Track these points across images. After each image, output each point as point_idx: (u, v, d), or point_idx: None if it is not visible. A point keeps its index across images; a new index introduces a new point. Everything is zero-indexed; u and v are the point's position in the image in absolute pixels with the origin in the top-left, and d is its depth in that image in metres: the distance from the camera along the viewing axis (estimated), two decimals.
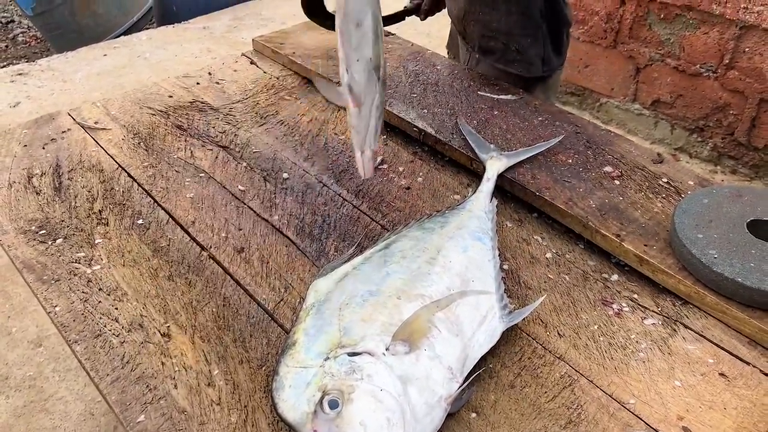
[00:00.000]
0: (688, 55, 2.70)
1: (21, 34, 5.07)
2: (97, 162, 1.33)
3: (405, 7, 1.79)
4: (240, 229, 1.18)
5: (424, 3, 1.76)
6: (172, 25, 4.00)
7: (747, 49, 2.52)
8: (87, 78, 3.37)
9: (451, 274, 1.00)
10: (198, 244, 1.14)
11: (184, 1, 4.27)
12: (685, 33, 2.67)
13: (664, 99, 2.86)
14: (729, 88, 2.63)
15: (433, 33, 4.02)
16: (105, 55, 3.61)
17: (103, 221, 1.19)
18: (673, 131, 2.90)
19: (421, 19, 1.81)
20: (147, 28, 4.43)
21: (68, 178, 1.29)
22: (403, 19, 1.79)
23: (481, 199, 1.18)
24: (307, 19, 1.82)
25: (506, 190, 1.26)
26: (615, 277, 1.09)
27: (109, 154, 1.35)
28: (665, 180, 1.24)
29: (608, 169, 1.27)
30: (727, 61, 2.59)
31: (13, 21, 5.28)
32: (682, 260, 1.04)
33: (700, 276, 1.01)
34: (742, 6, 2.46)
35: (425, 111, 1.45)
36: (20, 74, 3.39)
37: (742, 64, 2.56)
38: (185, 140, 1.41)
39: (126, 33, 4.17)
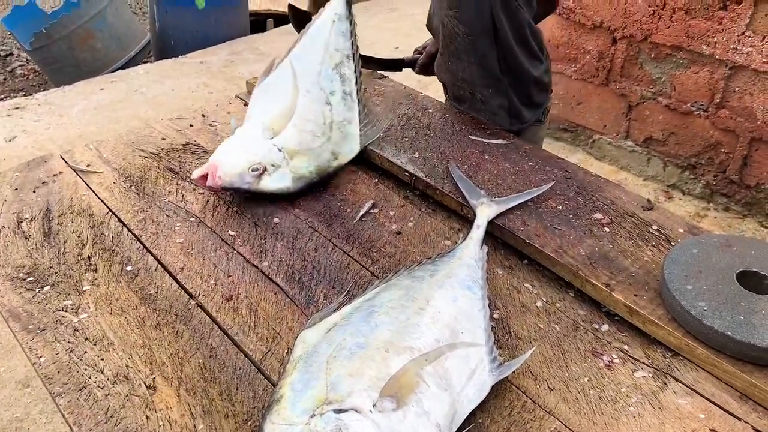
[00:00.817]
0: (679, 94, 2.73)
1: (19, 67, 5.11)
2: (88, 206, 1.33)
3: (404, 58, 1.82)
4: (229, 276, 1.18)
5: (421, 58, 1.79)
6: (169, 59, 4.04)
7: (737, 89, 2.55)
8: (83, 112, 3.38)
9: (440, 326, 0.99)
10: (186, 291, 1.13)
11: (181, 35, 4.31)
12: (675, 72, 2.70)
13: (656, 136, 2.88)
14: (720, 126, 2.65)
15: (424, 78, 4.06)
16: (102, 89, 3.63)
17: (92, 267, 1.18)
18: (666, 168, 2.91)
19: (416, 72, 1.85)
20: (145, 62, 4.47)
21: (58, 223, 1.28)
22: (400, 69, 1.82)
23: (471, 247, 1.18)
24: None
25: (496, 236, 1.26)
26: (605, 327, 1.09)
27: (99, 198, 1.35)
28: (655, 227, 1.24)
29: (598, 215, 1.27)
30: (718, 100, 2.62)
31: (11, 54, 5.33)
32: (672, 312, 1.04)
33: (690, 328, 1.01)
34: (731, 47, 2.50)
35: (416, 155, 1.45)
36: (17, 108, 3.41)
37: (732, 104, 2.58)
38: (177, 183, 1.42)
39: (124, 67, 4.21)
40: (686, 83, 2.69)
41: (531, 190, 1.31)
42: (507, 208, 1.26)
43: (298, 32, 1.70)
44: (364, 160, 1.50)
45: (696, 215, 2.78)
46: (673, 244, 1.20)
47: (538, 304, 1.13)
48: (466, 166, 1.42)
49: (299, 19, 1.77)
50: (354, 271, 1.19)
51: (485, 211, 1.25)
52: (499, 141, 1.50)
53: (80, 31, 4.12)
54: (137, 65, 4.17)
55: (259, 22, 4.91)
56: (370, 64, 1.83)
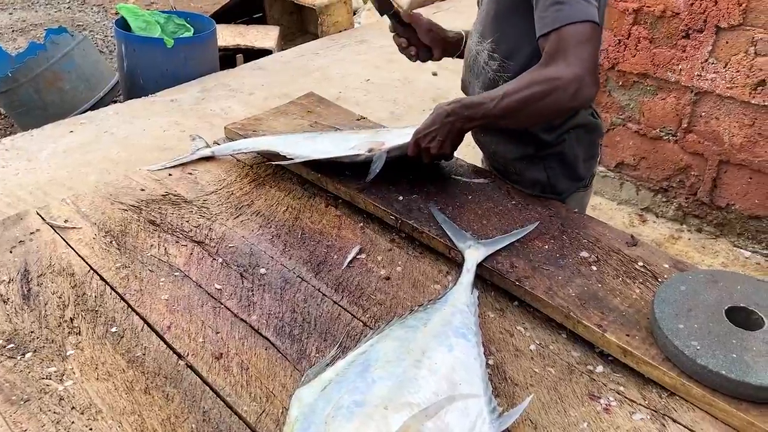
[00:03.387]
0: (648, 120, 2.79)
1: None
2: (68, 264, 1.30)
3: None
4: (217, 333, 1.15)
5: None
6: (139, 99, 4.00)
7: (703, 114, 2.62)
8: (53, 156, 3.32)
9: (437, 378, 0.98)
10: (175, 352, 1.11)
11: (150, 73, 4.28)
12: (643, 99, 2.77)
13: (627, 161, 2.93)
14: (689, 150, 2.71)
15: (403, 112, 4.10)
16: (71, 131, 3.58)
17: (75, 330, 1.15)
18: (639, 192, 2.96)
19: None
20: (114, 102, 4.43)
21: (38, 284, 1.25)
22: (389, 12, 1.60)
23: (462, 292, 1.17)
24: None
25: (485, 279, 1.26)
26: (600, 368, 1.09)
27: (80, 256, 1.32)
28: (641, 264, 1.26)
29: (584, 254, 1.28)
30: (686, 125, 2.68)
31: None
32: (665, 351, 1.04)
33: (684, 368, 1.01)
34: (695, 73, 2.57)
35: (401, 197, 1.45)
36: None
37: (699, 128, 2.65)
38: (159, 236, 1.39)
39: (93, 108, 4.15)
40: (654, 109, 2.75)
41: (517, 230, 1.32)
42: (495, 250, 1.27)
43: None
44: (347, 204, 1.50)
45: (670, 237, 2.83)
46: (660, 280, 1.21)
47: (532, 347, 1.13)
48: (450, 207, 1.42)
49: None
50: (345, 322, 1.17)
51: (473, 255, 1.25)
52: (481, 180, 1.51)
53: (47, 74, 4.07)
54: (106, 106, 4.12)
55: (228, 57, 4.91)
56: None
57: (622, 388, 1.05)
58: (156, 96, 4.04)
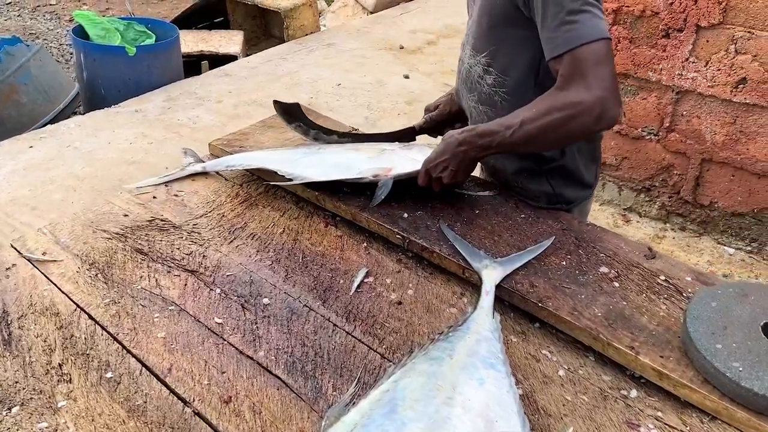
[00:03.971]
0: (629, 120, 2.78)
1: None
2: (51, 303, 1.19)
3: (414, 126, 1.70)
4: (223, 372, 1.06)
5: (428, 122, 1.68)
6: (101, 110, 3.83)
7: (685, 113, 2.62)
8: (13, 174, 3.15)
9: (472, 416, 0.91)
10: (179, 397, 1.01)
11: (112, 83, 4.12)
12: (625, 99, 2.75)
13: (610, 162, 2.92)
14: (671, 149, 2.71)
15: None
16: (31, 146, 3.40)
17: (66, 378, 1.04)
18: (621, 192, 2.95)
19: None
20: (75, 114, 4.24)
21: (19, 327, 1.14)
22: (414, 138, 1.68)
23: (484, 317, 1.11)
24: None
25: (503, 299, 1.20)
26: (634, 392, 1.04)
27: (63, 292, 1.21)
28: (663, 278, 1.21)
29: (604, 269, 1.23)
30: (668, 124, 2.67)
31: None
32: (704, 373, 1.00)
33: (726, 390, 0.97)
34: (676, 73, 2.56)
35: (406, 214, 1.38)
36: None
37: (681, 127, 2.64)
38: (148, 266, 1.29)
39: (53, 121, 3.97)
40: (636, 109, 2.74)
41: (533, 247, 1.26)
42: (513, 269, 1.21)
43: (289, 124, 1.64)
44: (347, 222, 1.42)
45: (655, 237, 2.82)
46: (684, 295, 1.17)
47: (560, 372, 1.08)
48: (458, 224, 1.36)
49: (289, 113, 1.67)
50: (361, 354, 1.10)
51: (491, 275, 1.18)
52: (486, 192, 1.45)
53: (2, 87, 3.87)
54: (67, 118, 3.93)
55: (191, 64, 4.76)
56: (381, 138, 1.69)
57: (660, 414, 1.00)
58: (119, 107, 3.88)
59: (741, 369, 0.96)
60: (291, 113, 1.67)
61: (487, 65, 1.37)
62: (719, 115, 2.53)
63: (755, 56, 2.37)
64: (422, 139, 1.70)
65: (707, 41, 2.46)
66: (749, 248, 2.69)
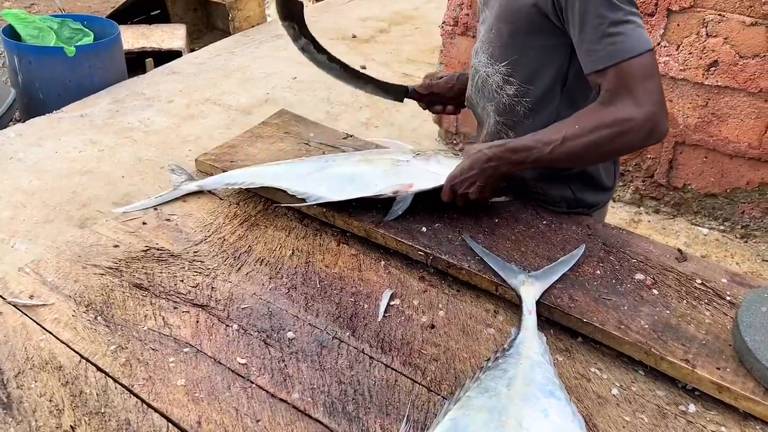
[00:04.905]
0: None
1: None
2: (51, 355, 1.06)
3: (408, 87, 1.58)
4: (258, 421, 0.97)
5: (422, 87, 1.58)
6: (42, 116, 3.57)
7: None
8: None
9: None
10: None
11: (51, 87, 3.86)
12: None
13: None
14: None
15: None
16: None
17: None
18: None
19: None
20: (13, 123, 3.95)
21: (18, 386, 1.01)
22: (401, 100, 1.59)
23: (531, 339, 1.05)
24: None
25: (542, 315, 1.14)
26: (692, 407, 1.00)
27: (62, 342, 1.08)
28: (699, 281, 1.18)
29: (640, 276, 1.19)
30: None
31: None
32: (765, 383, 0.97)
33: None
34: None
35: (424, 229, 1.31)
36: None
37: None
38: (151, 303, 1.17)
39: None
40: None
41: (565, 258, 1.21)
42: (550, 283, 1.15)
43: (283, 20, 1.47)
44: (359, 238, 1.34)
45: (631, 222, 2.84)
46: (725, 299, 1.14)
47: (614, 391, 1.03)
48: (480, 235, 1.29)
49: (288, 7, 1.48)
50: (405, 389, 1.02)
51: (530, 292, 1.12)
52: (503, 198, 1.39)
53: None
54: (5, 127, 3.65)
55: (133, 62, 4.51)
56: (368, 85, 1.58)
57: (723, 429, 0.97)
58: (62, 112, 3.63)
59: None
60: (290, 10, 1.48)
61: (507, 75, 1.30)
62: (691, 98, 2.56)
63: (726, 39, 2.39)
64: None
65: (678, 25, 2.47)
66: (722, 227, 2.75)
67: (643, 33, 1.12)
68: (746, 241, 2.70)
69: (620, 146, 1.17)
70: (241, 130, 3.52)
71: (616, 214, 2.89)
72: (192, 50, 4.85)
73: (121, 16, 5.22)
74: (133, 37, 4.78)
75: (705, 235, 2.76)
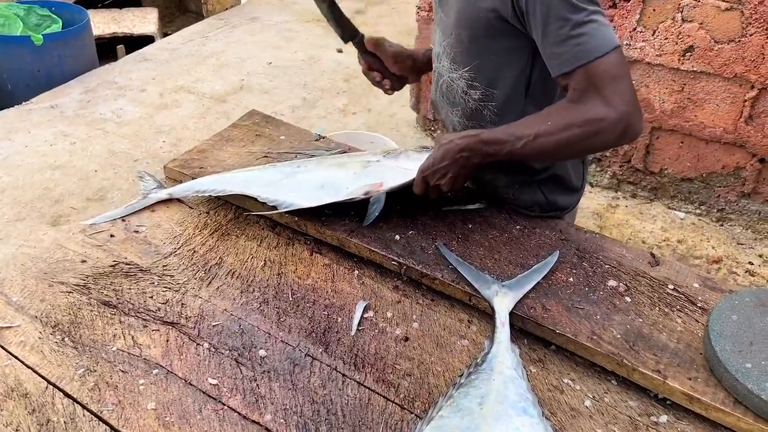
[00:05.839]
0: None
1: None
2: (17, 382, 1.04)
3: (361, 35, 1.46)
4: None
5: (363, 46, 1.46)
6: (11, 108, 3.49)
7: (634, 82, 2.61)
8: None
9: None
10: None
11: (19, 77, 3.76)
12: None
13: None
14: None
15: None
16: None
17: None
18: None
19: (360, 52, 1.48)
20: None
21: None
22: (346, 41, 1.45)
23: (504, 353, 1.05)
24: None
25: (514, 324, 1.14)
26: (664, 417, 1.01)
27: (28, 366, 1.06)
28: (671, 287, 1.18)
29: (612, 282, 1.19)
30: None
31: None
32: (735, 394, 0.98)
33: (760, 412, 0.95)
34: (624, 42, 2.55)
35: (398, 236, 1.29)
36: None
37: None
38: (120, 322, 1.15)
39: None
40: None
41: (539, 265, 1.20)
42: (524, 293, 1.14)
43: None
44: (332, 247, 1.32)
45: (609, 207, 2.85)
46: (696, 304, 1.15)
47: (587, 403, 1.03)
48: (454, 242, 1.28)
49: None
50: (378, 408, 1.01)
51: (503, 303, 1.12)
52: (477, 205, 1.37)
53: None
54: None
55: (103, 47, 4.40)
56: (331, 8, 1.42)
57: None
58: (31, 103, 3.55)
59: None
60: None
61: (471, 79, 1.28)
62: (667, 84, 2.55)
63: (701, 24, 2.38)
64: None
65: (654, 10, 2.45)
66: (698, 211, 2.76)
67: (608, 31, 1.10)
68: (722, 225, 2.72)
69: (592, 145, 1.16)
70: (216, 118, 3.50)
71: (594, 200, 2.90)
72: (165, 34, 4.76)
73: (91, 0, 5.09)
74: (104, 22, 4.66)
75: (681, 219, 2.77)
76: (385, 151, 1.41)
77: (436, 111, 1.47)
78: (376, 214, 1.28)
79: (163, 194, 1.42)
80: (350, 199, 1.29)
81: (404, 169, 1.29)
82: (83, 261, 1.27)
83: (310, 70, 3.99)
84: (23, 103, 3.57)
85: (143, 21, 4.73)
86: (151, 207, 1.42)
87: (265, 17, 4.72)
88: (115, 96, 3.66)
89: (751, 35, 2.31)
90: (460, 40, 1.26)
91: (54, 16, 4.08)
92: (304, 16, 4.77)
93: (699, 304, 1.15)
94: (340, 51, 4.18)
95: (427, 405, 1.01)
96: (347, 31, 1.45)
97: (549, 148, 1.14)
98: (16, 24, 3.93)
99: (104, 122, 3.39)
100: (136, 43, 4.46)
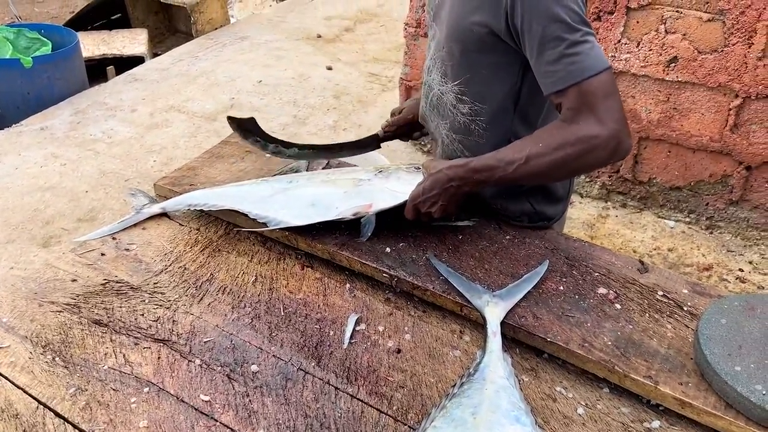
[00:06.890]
0: None
1: None
2: (7, 403, 1.03)
3: (377, 133, 1.64)
4: None
5: (389, 126, 1.62)
6: (1, 131, 3.49)
7: (620, 93, 2.64)
8: None
9: None
10: None
11: (9, 99, 3.76)
12: None
13: None
14: None
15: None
16: None
17: None
18: None
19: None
20: None
21: None
22: (379, 146, 1.65)
23: (496, 362, 1.05)
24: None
25: (506, 334, 1.14)
26: (656, 423, 1.01)
27: (19, 387, 1.05)
28: (661, 293, 1.19)
29: (602, 290, 1.20)
30: None
31: None
32: (726, 398, 0.98)
33: (751, 415, 0.96)
34: (610, 54, 2.58)
35: (388, 249, 1.30)
36: None
37: None
38: (111, 340, 1.15)
39: None
40: None
41: (529, 275, 1.21)
42: (514, 303, 1.15)
43: (246, 139, 1.55)
44: (323, 261, 1.32)
45: (599, 217, 2.87)
46: (685, 309, 1.15)
47: (580, 410, 1.03)
48: (445, 253, 1.29)
49: (245, 128, 1.56)
50: (372, 420, 1.01)
51: (495, 313, 1.12)
52: (467, 222, 1.38)
53: None
54: None
55: (93, 69, 4.41)
56: (343, 151, 1.62)
57: None
58: (21, 125, 3.55)
59: (765, 393, 0.95)
60: (247, 129, 1.54)
61: (460, 93, 1.29)
62: (653, 94, 2.58)
63: (684, 35, 2.42)
64: (396, 143, 1.66)
65: (638, 22, 2.49)
66: (688, 219, 2.78)
67: (600, 51, 1.12)
68: (711, 233, 2.74)
69: (585, 164, 1.17)
70: (207, 137, 3.51)
71: (584, 210, 2.91)
72: (155, 55, 4.78)
73: (81, 21, 5.11)
74: (94, 44, 4.68)
75: (671, 227, 2.79)
76: (377, 168, 1.42)
77: (424, 124, 1.48)
78: (369, 234, 1.29)
79: (155, 209, 1.42)
80: (339, 218, 1.30)
81: (394, 192, 1.30)
82: (74, 280, 1.27)
83: (300, 88, 4.01)
84: (13, 125, 3.57)
85: (133, 42, 4.75)
86: (141, 224, 1.42)
87: (255, 36, 4.75)
88: (105, 117, 3.66)
89: (733, 45, 2.35)
90: (452, 54, 1.28)
91: (43, 38, 4.09)
92: (293, 34, 4.80)
93: (687, 309, 1.15)
94: (329, 68, 4.21)
95: (420, 416, 1.01)
96: (372, 142, 1.62)
97: (542, 169, 1.15)
98: (5, 47, 3.94)
99: (95, 143, 3.39)
100: (126, 63, 4.48)
